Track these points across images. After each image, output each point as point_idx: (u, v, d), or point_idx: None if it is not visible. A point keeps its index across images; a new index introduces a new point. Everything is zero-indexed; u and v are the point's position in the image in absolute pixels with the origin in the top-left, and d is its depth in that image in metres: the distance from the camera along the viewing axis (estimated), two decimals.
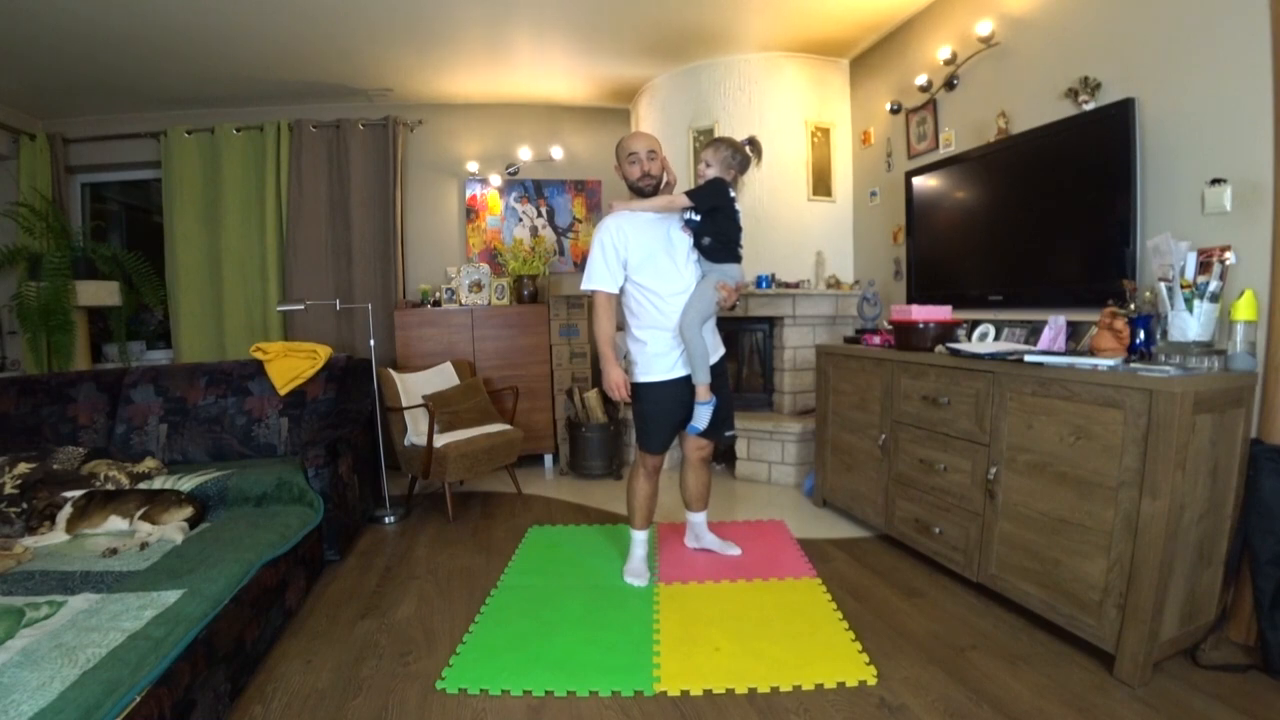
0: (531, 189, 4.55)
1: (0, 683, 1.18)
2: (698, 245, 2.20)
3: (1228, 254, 1.79)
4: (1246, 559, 1.76)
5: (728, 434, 2.37)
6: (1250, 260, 1.81)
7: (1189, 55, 1.97)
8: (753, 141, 2.27)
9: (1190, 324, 1.80)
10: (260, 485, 2.44)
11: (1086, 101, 2.27)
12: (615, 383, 2.22)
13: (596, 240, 2.19)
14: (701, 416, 2.22)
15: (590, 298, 2.26)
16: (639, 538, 2.40)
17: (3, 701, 1.13)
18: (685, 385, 2.23)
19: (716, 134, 3.66)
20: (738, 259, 2.22)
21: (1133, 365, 1.78)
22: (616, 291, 2.23)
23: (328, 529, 2.56)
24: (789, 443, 3.54)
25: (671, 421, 2.29)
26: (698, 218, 2.18)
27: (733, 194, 2.20)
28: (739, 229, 2.21)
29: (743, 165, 2.23)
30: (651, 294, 2.19)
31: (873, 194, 3.70)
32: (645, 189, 2.22)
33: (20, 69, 3.44)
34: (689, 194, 2.16)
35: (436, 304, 4.09)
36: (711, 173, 2.20)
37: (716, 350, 2.32)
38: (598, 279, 2.19)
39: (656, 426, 2.28)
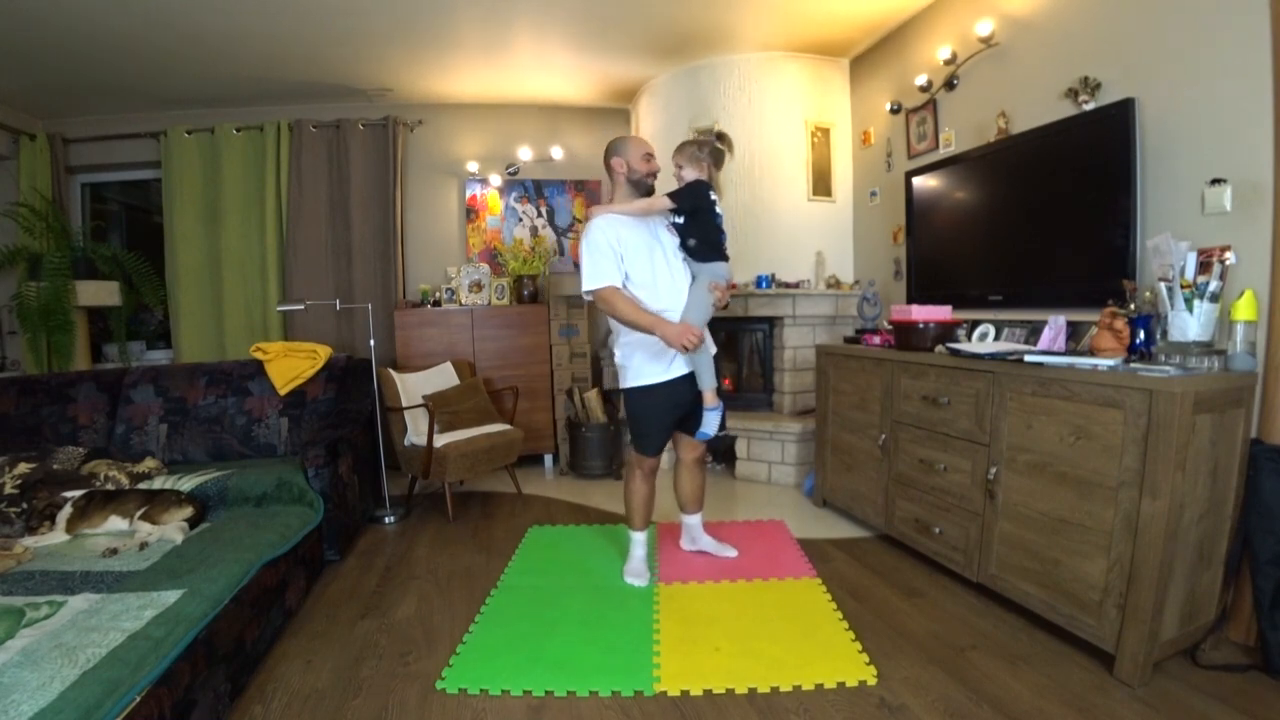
0: (531, 189, 4.55)
1: (0, 683, 1.18)
2: (684, 247, 2.21)
3: (1228, 254, 1.79)
4: (1246, 559, 1.76)
5: (721, 433, 2.37)
6: (1250, 260, 1.81)
7: (1189, 55, 1.97)
8: (720, 135, 2.27)
9: (1190, 324, 1.80)
10: (260, 485, 2.44)
11: (1086, 101, 2.27)
12: (680, 334, 2.02)
13: (589, 241, 2.11)
14: (711, 422, 2.20)
15: (596, 297, 2.13)
16: (638, 538, 2.40)
17: (3, 701, 1.13)
18: (680, 386, 2.22)
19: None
20: (725, 258, 2.22)
21: (1133, 365, 1.78)
22: (621, 284, 2.13)
23: (328, 529, 2.56)
24: (789, 443, 3.54)
25: (667, 424, 2.28)
26: (681, 220, 2.19)
27: (714, 196, 2.19)
28: (721, 231, 2.21)
29: (715, 158, 2.21)
30: (646, 294, 2.16)
31: (873, 194, 3.70)
32: (653, 187, 2.24)
33: (20, 69, 3.44)
34: (671, 195, 2.15)
35: (436, 304, 4.09)
36: (688, 174, 2.19)
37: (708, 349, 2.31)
38: (603, 275, 2.09)
39: (652, 429, 2.27)
